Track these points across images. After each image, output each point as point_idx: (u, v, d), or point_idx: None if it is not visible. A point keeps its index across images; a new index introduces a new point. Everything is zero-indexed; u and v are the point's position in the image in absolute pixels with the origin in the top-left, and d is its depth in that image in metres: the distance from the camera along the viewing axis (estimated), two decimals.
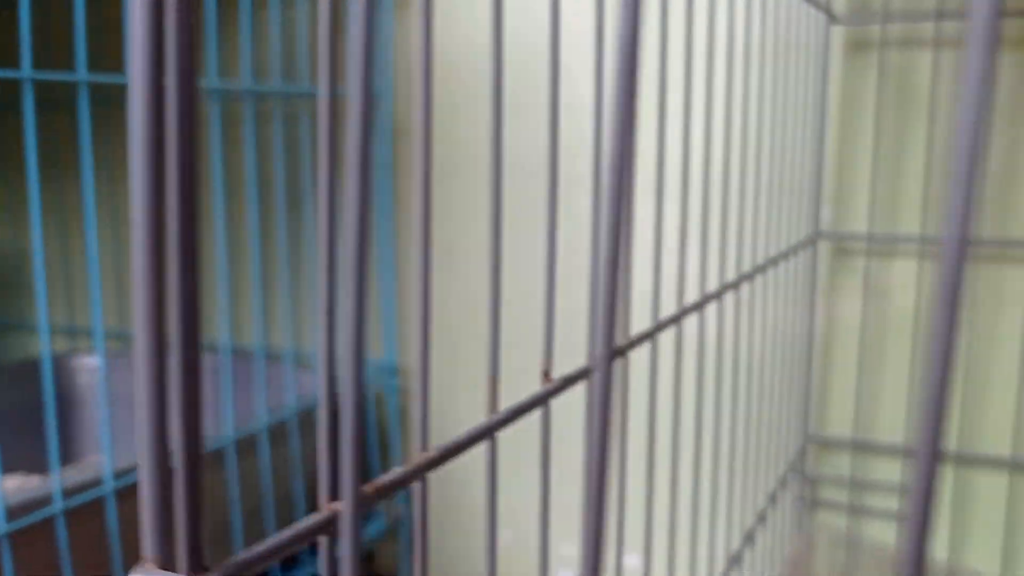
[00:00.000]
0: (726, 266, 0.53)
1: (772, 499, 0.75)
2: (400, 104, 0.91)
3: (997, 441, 0.73)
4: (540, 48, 0.79)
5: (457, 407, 0.91)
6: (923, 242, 0.73)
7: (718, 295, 0.51)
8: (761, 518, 0.70)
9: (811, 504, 0.80)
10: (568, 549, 0.88)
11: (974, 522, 0.75)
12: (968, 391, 0.73)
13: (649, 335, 0.41)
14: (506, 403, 0.32)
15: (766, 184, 0.70)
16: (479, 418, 0.30)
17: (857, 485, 0.79)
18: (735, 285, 0.55)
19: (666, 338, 0.47)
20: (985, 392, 0.73)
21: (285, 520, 0.77)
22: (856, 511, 0.79)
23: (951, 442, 0.74)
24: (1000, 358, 0.72)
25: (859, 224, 0.75)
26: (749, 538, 0.68)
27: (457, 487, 0.94)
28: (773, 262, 0.68)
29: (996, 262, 0.72)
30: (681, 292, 0.46)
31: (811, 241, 0.75)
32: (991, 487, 0.74)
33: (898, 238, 0.74)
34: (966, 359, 0.73)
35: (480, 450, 0.30)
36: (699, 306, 0.48)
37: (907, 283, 0.74)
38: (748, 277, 0.59)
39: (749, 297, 0.61)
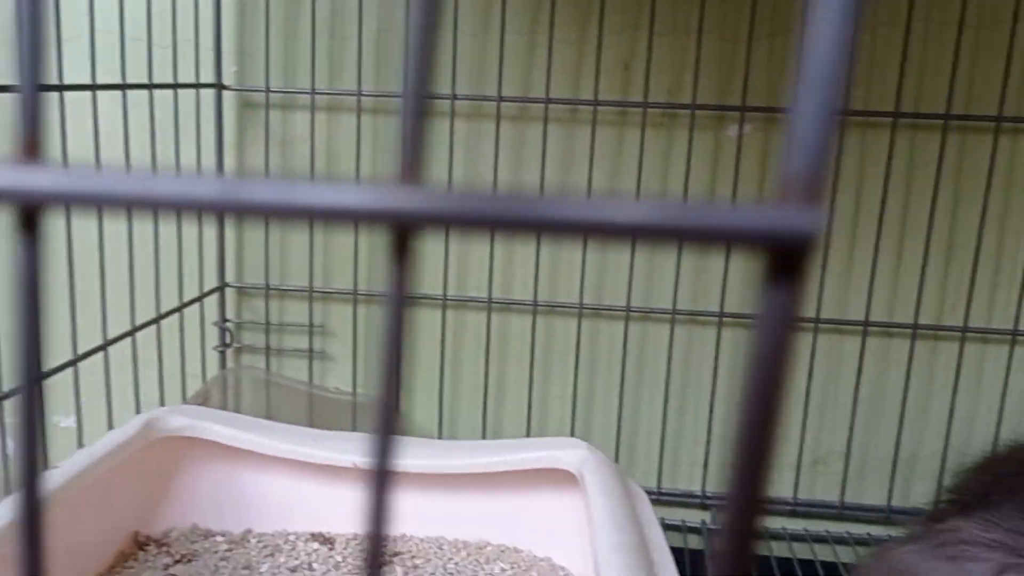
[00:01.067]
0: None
1: (197, 345, 0.78)
2: None
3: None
4: None
5: None
6: (315, 95, 0.79)
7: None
8: (182, 363, 0.73)
9: (234, 349, 0.85)
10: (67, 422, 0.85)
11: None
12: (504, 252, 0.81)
13: None
14: None
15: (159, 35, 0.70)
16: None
17: (274, 328, 0.84)
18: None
19: None
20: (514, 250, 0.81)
21: None
22: (274, 352, 0.85)
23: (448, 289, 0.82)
24: None
25: (260, 79, 0.79)
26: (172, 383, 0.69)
27: None
28: (158, 87, 0.70)
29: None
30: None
31: (209, 86, 0.78)
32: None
33: (296, 91, 0.79)
34: None
35: None
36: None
37: (305, 135, 0.80)
38: (122, 87, 0.60)
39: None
